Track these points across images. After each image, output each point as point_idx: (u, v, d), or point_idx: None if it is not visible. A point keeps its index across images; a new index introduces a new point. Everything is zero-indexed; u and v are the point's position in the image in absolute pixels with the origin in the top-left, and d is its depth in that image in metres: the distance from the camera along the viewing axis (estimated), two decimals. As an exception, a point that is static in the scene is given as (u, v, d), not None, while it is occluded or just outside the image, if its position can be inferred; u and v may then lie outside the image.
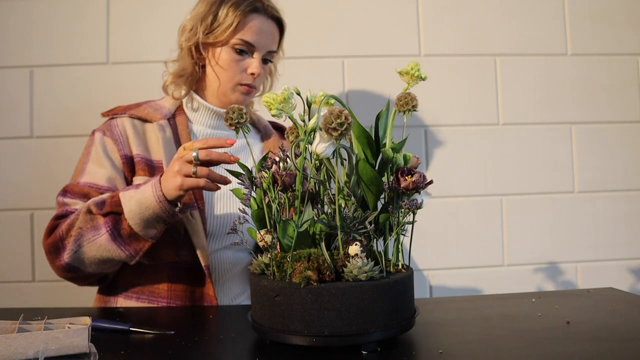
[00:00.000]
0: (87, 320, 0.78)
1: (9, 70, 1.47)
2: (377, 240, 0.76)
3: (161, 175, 0.99)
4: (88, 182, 1.11)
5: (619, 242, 1.59)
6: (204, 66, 1.20)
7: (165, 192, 0.97)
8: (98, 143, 1.15)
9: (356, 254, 0.70)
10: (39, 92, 1.48)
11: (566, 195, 1.59)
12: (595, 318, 0.85)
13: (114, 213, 1.01)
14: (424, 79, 0.79)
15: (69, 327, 0.73)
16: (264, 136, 1.30)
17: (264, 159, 0.79)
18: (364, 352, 0.70)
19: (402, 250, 0.78)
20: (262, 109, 1.34)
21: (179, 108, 1.22)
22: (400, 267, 0.77)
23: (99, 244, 1.01)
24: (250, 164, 1.21)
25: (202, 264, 1.09)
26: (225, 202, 1.17)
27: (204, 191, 1.13)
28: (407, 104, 0.76)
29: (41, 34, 1.48)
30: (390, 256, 0.78)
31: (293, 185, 0.73)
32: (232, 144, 0.94)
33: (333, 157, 0.77)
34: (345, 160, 0.79)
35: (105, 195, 1.05)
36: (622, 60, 1.61)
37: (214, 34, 1.15)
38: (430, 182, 0.74)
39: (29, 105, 1.47)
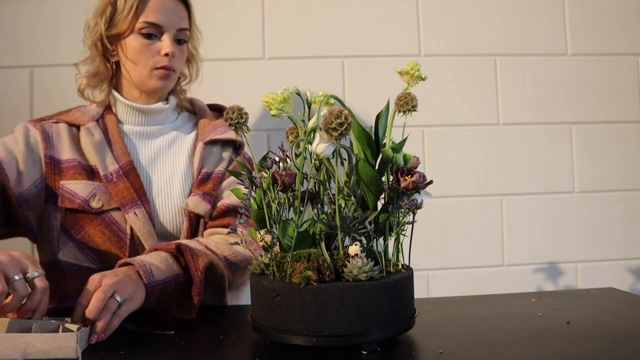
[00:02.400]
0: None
1: (9, 70, 1.47)
2: (377, 240, 0.76)
3: None
4: None
5: (619, 242, 1.59)
6: (117, 62, 1.18)
7: None
8: (22, 130, 1.12)
9: (356, 254, 0.70)
10: (39, 92, 1.48)
11: (566, 195, 1.59)
12: (595, 318, 0.85)
13: None
14: (423, 79, 0.79)
15: (63, 329, 0.73)
16: (199, 119, 1.26)
17: (264, 158, 0.79)
18: (364, 352, 0.70)
19: (402, 250, 0.78)
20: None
21: (107, 107, 1.20)
22: (400, 267, 0.77)
23: None
24: (185, 155, 1.20)
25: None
26: (167, 199, 1.15)
27: (146, 189, 1.13)
28: (407, 104, 0.76)
29: (41, 34, 1.48)
30: (390, 256, 0.78)
31: (293, 185, 0.73)
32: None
33: (333, 157, 0.77)
34: (345, 160, 0.79)
35: None
36: (622, 60, 1.61)
37: (116, 24, 1.13)
38: (430, 182, 0.74)
39: (29, 105, 1.47)
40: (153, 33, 1.13)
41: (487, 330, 0.79)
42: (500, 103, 1.57)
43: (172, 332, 0.83)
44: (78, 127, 1.16)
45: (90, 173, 1.12)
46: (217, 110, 1.31)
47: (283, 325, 0.70)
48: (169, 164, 1.19)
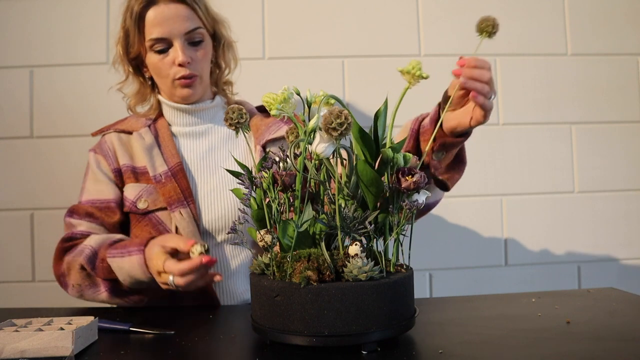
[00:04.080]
0: (87, 319, 0.78)
1: (9, 70, 1.47)
2: (377, 240, 0.76)
3: (144, 253, 1.00)
4: (89, 200, 1.17)
5: (619, 242, 1.59)
6: (151, 77, 1.22)
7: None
8: (92, 161, 1.21)
9: (356, 254, 0.70)
10: (39, 92, 1.48)
11: (566, 195, 1.59)
12: (595, 318, 0.85)
13: (109, 279, 1.06)
14: (425, 78, 0.79)
15: (61, 328, 0.74)
16: (250, 120, 1.29)
17: (264, 159, 0.79)
18: (364, 352, 0.70)
19: (402, 250, 0.78)
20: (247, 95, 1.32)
21: (160, 113, 1.24)
22: (400, 267, 0.77)
23: (101, 299, 1.08)
24: (238, 154, 1.22)
25: None
26: (215, 198, 1.16)
27: (192, 189, 1.15)
28: (488, 27, 0.77)
29: (41, 34, 1.48)
30: (390, 256, 0.78)
31: (293, 185, 0.73)
32: (210, 262, 0.94)
33: (333, 157, 0.77)
34: (345, 160, 0.79)
35: (95, 245, 1.07)
36: (622, 60, 1.61)
37: (132, 47, 1.16)
38: (430, 182, 0.74)
39: (29, 105, 1.47)
40: (163, 47, 1.13)
41: (487, 330, 0.79)
42: (500, 103, 1.57)
43: (172, 332, 0.83)
44: (130, 133, 1.21)
45: (138, 175, 1.17)
46: (264, 110, 1.31)
47: (283, 325, 0.70)
48: (221, 163, 1.20)
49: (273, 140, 1.21)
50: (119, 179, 1.18)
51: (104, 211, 1.15)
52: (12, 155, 1.47)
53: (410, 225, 0.76)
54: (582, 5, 1.59)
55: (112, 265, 1.03)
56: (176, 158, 1.16)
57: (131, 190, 1.15)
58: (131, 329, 0.84)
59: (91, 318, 0.79)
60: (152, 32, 1.12)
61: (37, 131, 1.47)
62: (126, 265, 1.02)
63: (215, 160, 1.21)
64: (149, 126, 1.21)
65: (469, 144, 1.56)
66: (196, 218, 1.12)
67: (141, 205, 1.13)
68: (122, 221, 1.17)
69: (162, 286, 0.99)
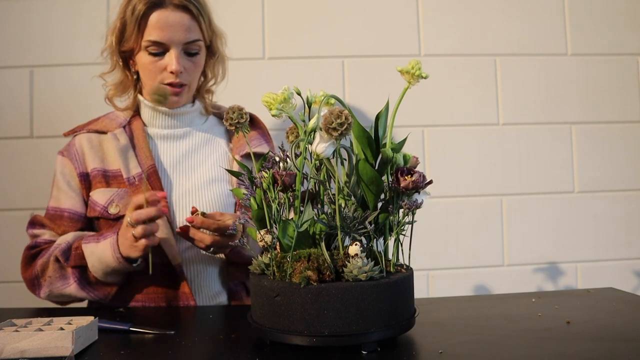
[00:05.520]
0: (87, 319, 0.78)
1: (9, 70, 1.47)
2: (377, 240, 0.76)
3: (118, 234, 1.04)
4: (52, 207, 1.17)
5: (619, 242, 1.59)
6: (137, 72, 1.20)
7: (125, 255, 1.02)
8: (58, 165, 1.19)
9: (356, 254, 0.70)
10: (39, 92, 1.48)
11: (566, 195, 1.59)
12: (595, 318, 0.85)
13: (80, 266, 1.06)
14: (425, 78, 0.79)
15: (61, 328, 0.74)
16: (229, 130, 1.28)
17: (264, 159, 0.79)
18: (364, 352, 0.70)
19: (402, 250, 0.78)
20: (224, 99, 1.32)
21: (135, 112, 1.22)
22: (400, 267, 0.77)
23: (69, 292, 1.07)
24: (215, 158, 1.22)
25: (173, 264, 1.09)
26: (189, 201, 1.16)
27: (167, 192, 1.15)
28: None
29: (41, 34, 1.48)
30: (390, 256, 0.78)
31: (293, 185, 0.73)
32: (164, 212, 1.02)
33: (333, 157, 0.77)
34: (345, 160, 0.79)
35: (71, 239, 1.09)
36: (622, 60, 1.61)
37: (126, 41, 1.14)
38: (430, 182, 0.75)
39: (29, 105, 1.47)
40: (158, 51, 1.12)
41: (487, 330, 0.79)
42: (500, 103, 1.57)
43: (172, 332, 0.83)
44: (103, 133, 1.19)
45: (109, 179, 1.14)
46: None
47: (283, 325, 0.70)
48: (197, 168, 1.19)
49: (254, 154, 1.21)
50: (85, 183, 1.15)
51: (54, 221, 1.14)
52: (12, 155, 1.47)
53: (410, 225, 0.76)
54: (582, 5, 1.60)
55: (86, 251, 1.04)
56: (150, 160, 1.15)
57: (101, 195, 1.13)
58: (131, 329, 0.84)
59: (91, 318, 0.79)
60: (152, 34, 1.11)
61: (37, 131, 1.47)
62: (99, 249, 1.03)
63: (191, 163, 1.20)
64: (124, 127, 1.19)
65: (469, 144, 1.57)
66: (170, 221, 1.11)
67: (112, 210, 1.11)
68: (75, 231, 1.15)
69: (132, 236, 0.99)
